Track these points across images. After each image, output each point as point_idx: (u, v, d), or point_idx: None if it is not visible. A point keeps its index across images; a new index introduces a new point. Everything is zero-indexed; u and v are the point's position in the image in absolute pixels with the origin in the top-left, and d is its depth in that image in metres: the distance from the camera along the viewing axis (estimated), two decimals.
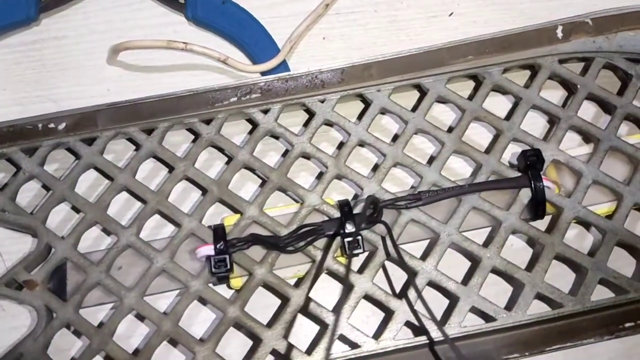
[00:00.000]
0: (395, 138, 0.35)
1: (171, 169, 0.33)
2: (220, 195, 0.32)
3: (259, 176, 0.34)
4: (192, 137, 0.35)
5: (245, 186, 0.34)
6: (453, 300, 0.30)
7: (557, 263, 0.32)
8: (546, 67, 0.34)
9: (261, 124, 0.33)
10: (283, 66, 0.37)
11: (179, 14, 0.39)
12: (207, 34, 0.39)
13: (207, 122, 0.34)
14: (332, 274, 0.31)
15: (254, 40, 0.38)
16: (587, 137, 0.35)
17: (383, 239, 0.30)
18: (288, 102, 0.34)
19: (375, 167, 0.33)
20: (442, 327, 0.28)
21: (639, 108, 0.34)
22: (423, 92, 0.34)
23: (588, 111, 0.36)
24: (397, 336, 0.29)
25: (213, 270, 0.29)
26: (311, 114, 0.34)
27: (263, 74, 0.37)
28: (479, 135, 0.35)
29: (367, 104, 0.34)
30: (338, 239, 0.30)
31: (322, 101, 0.34)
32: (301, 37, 0.38)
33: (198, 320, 0.32)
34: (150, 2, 0.39)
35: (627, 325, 0.30)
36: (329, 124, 0.34)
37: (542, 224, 0.32)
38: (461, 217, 0.31)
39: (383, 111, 0.34)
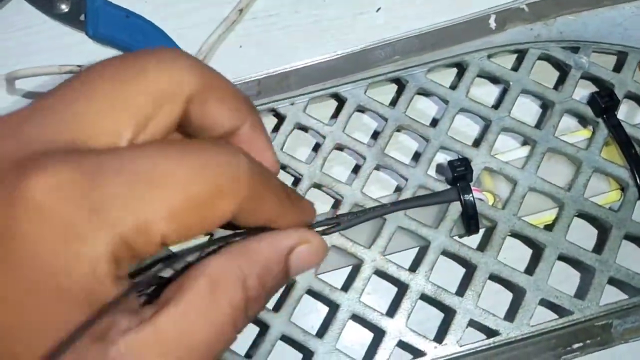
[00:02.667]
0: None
1: None
2: None
3: None
4: None
5: None
6: (377, 336, 0.27)
7: (494, 283, 0.29)
8: (474, 64, 0.31)
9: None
10: None
11: (81, 32, 0.36)
12: (111, 50, 0.35)
13: None
14: None
15: None
16: None
17: None
18: None
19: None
20: None
21: (580, 102, 0.31)
22: (342, 101, 0.31)
23: (530, 106, 0.33)
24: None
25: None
26: None
27: None
28: (407, 142, 0.32)
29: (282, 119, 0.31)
30: None
31: None
32: (215, 47, 0.35)
33: None
34: (51, 23, 0.36)
35: (575, 346, 0.27)
36: None
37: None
38: (386, 239, 0.28)
39: (300, 127, 0.31)
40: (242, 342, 0.29)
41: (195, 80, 0.17)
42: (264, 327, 0.27)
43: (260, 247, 0.19)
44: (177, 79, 0.17)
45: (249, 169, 0.17)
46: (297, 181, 0.30)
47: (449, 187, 0.29)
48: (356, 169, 0.30)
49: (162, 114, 0.17)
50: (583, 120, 0.32)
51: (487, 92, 0.33)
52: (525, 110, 0.33)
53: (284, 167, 0.31)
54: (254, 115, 0.21)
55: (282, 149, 0.30)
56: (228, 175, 0.16)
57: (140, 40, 0.35)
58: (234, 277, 0.17)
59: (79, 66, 0.32)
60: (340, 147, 0.31)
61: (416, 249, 0.30)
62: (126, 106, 0.16)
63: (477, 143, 0.30)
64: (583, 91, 0.31)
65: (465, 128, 0.33)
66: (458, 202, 0.28)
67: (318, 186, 0.30)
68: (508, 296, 0.29)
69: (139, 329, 0.15)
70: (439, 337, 0.27)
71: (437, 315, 0.29)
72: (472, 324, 0.27)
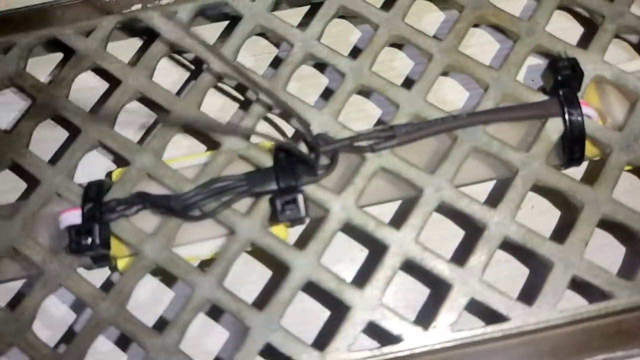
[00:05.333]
0: (356, 53, 0.24)
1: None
2: (99, 138, 0.22)
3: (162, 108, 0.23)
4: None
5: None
6: (442, 289, 0.20)
7: (602, 232, 0.21)
8: None
9: (163, 33, 0.23)
10: None
11: None
12: None
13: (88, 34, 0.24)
14: (260, 251, 0.20)
15: None
16: None
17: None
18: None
19: (329, 94, 0.23)
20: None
21: None
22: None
23: None
24: (354, 345, 0.19)
25: (72, 245, 0.19)
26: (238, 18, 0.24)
27: None
28: (482, 45, 0.25)
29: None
30: (268, 199, 0.20)
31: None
32: None
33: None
34: None
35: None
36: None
37: (578, 173, 0.22)
38: (456, 163, 0.20)
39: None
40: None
41: None
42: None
43: None
44: None
45: None
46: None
47: (546, 98, 0.21)
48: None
49: None
50: None
51: None
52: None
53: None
54: None
55: (318, 38, 0.23)
56: None
57: None
58: None
59: None
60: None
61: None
62: None
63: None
64: None
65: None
66: (558, 119, 0.21)
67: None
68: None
69: None
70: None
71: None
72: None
